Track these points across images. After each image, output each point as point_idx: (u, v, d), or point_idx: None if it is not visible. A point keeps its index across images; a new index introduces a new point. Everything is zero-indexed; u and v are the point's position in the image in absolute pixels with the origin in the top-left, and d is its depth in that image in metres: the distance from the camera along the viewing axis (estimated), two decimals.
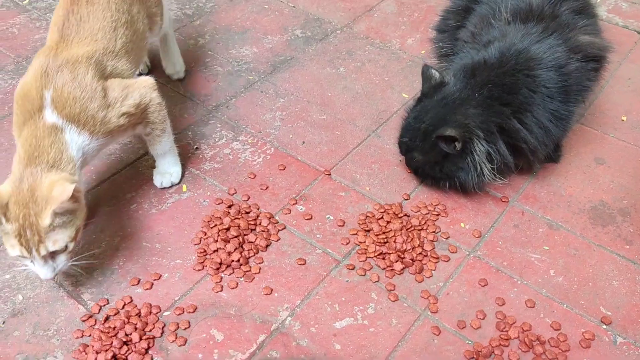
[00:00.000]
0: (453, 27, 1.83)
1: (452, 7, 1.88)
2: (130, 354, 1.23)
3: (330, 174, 1.69)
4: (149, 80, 1.46)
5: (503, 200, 1.63)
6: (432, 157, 1.55)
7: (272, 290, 1.39)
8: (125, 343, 1.23)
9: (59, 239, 1.20)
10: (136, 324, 1.27)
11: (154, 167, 1.67)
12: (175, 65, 1.96)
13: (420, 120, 1.55)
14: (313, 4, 2.39)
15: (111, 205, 1.56)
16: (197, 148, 1.74)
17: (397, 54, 2.14)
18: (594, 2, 1.80)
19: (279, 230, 1.52)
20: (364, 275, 1.43)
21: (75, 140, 1.28)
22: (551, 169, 1.72)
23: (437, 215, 1.58)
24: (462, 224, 1.57)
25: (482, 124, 1.49)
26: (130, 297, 1.34)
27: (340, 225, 1.54)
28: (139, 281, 1.38)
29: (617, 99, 1.98)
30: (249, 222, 1.51)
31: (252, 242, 1.48)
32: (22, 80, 1.34)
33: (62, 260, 1.24)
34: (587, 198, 1.64)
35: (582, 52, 1.62)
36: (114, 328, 1.25)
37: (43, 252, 1.19)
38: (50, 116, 1.27)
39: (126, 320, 1.28)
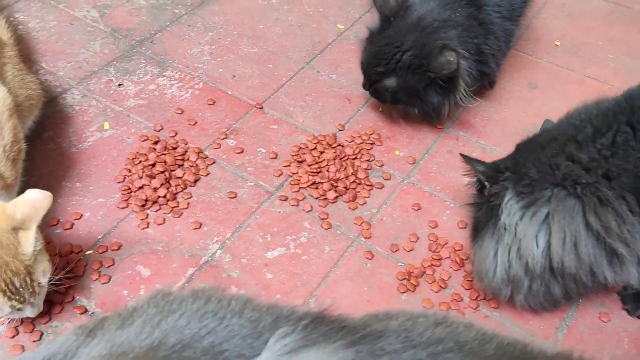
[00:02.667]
0: None
1: None
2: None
3: (262, 107, 1.63)
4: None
5: (438, 127, 1.62)
6: (413, 83, 1.45)
7: (201, 224, 1.34)
8: None
9: (44, 264, 1.04)
10: (55, 264, 1.21)
11: (72, 106, 1.57)
12: None
13: (395, 46, 1.44)
14: None
15: (26, 144, 1.46)
16: (119, 85, 1.64)
17: None
18: None
19: (208, 164, 1.47)
20: (297, 205, 1.40)
21: None
22: (486, 95, 1.71)
23: (372, 144, 1.56)
24: (397, 152, 1.55)
25: (464, 45, 1.44)
26: (50, 238, 1.27)
27: (272, 158, 1.50)
28: (58, 221, 1.31)
29: (552, 24, 1.97)
30: (176, 158, 1.45)
31: (179, 177, 1.42)
32: None
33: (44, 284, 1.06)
34: (519, 122, 1.64)
35: None
36: None
37: (38, 289, 1.03)
38: None
39: None
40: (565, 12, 2.02)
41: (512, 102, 1.70)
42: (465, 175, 1.29)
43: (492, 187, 1.18)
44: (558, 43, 1.90)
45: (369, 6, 1.95)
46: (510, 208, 1.12)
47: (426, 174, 1.50)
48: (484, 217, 1.19)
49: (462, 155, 1.27)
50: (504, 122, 1.64)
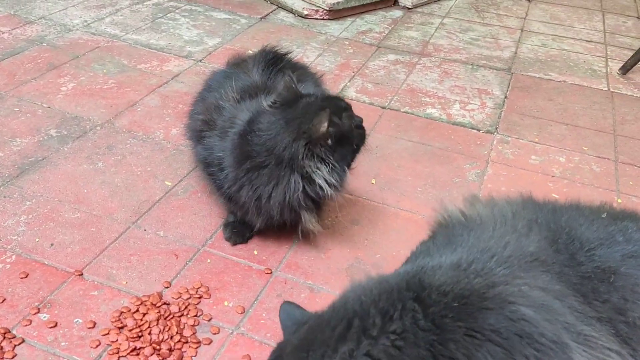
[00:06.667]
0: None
1: (195, 97, 1.94)
2: None
3: (82, 274, 1.56)
4: None
5: (266, 272, 1.64)
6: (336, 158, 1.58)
7: None
8: None
9: None
10: None
11: None
12: None
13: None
14: (71, 103, 2.32)
15: None
16: None
17: (161, 144, 2.14)
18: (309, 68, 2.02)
19: (15, 345, 1.34)
20: None
21: None
22: (312, 236, 1.79)
23: (200, 298, 1.53)
24: (226, 303, 1.53)
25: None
26: None
27: (90, 328, 1.41)
28: None
29: (367, 166, 2.17)
30: None
31: None
32: None
33: None
34: (344, 258, 1.73)
35: None
36: None
37: None
38: None
39: None
40: (378, 153, 2.25)
41: (337, 239, 1.80)
42: None
43: None
44: (374, 181, 2.09)
45: (195, 163, 2.02)
46: None
47: (256, 322, 1.49)
48: None
49: None
50: (330, 260, 1.72)
